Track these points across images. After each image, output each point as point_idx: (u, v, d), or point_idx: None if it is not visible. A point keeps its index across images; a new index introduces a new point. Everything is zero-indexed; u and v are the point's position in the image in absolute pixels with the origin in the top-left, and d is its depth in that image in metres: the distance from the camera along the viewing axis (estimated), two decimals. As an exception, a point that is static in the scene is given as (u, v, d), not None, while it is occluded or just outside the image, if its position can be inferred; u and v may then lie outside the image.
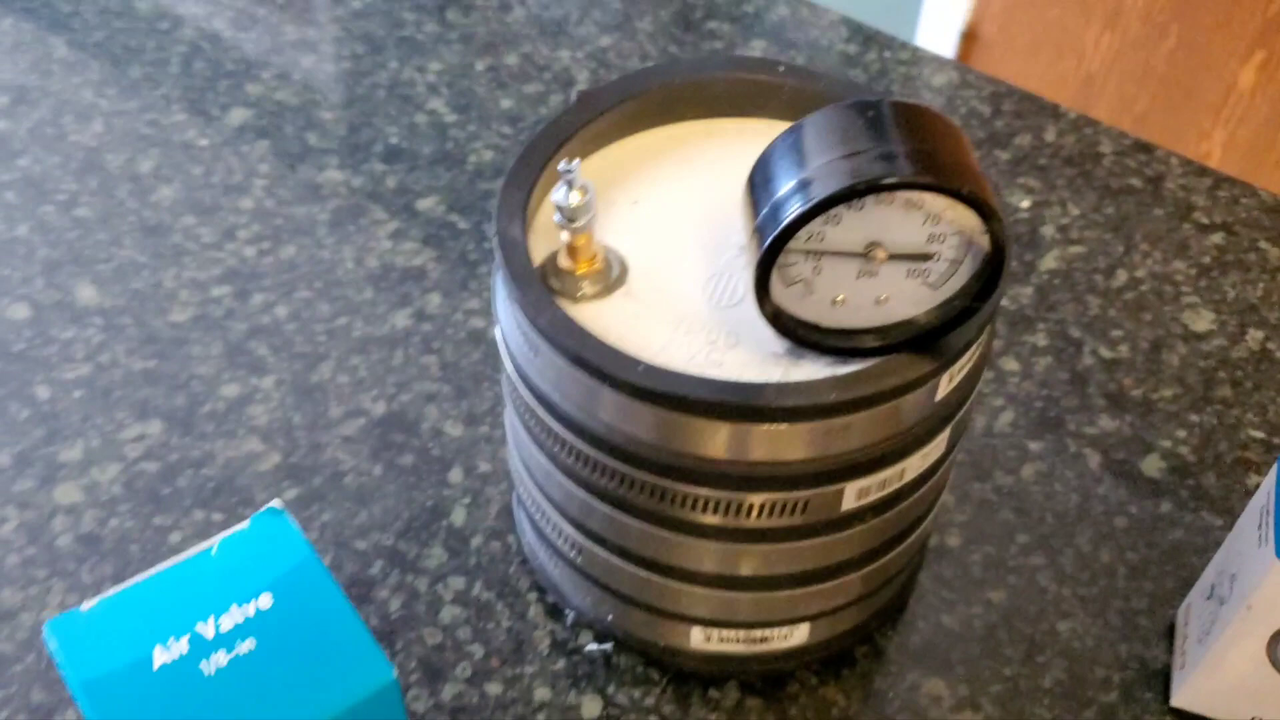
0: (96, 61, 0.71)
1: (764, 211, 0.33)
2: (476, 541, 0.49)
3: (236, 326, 0.57)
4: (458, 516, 0.50)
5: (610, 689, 0.45)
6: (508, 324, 0.39)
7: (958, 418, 0.39)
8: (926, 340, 0.35)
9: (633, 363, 0.35)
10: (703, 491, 0.37)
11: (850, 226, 0.33)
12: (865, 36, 0.74)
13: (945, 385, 0.37)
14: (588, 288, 0.39)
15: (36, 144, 0.65)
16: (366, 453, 0.52)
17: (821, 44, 0.74)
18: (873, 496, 0.38)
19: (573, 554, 0.43)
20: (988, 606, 0.48)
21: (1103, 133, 0.68)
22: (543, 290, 0.37)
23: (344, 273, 0.60)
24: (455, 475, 0.52)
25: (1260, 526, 0.40)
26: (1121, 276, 0.61)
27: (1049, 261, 0.61)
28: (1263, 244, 0.63)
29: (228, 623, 0.32)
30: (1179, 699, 0.45)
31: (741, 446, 0.36)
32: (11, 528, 0.49)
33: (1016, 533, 0.50)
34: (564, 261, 0.39)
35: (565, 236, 0.38)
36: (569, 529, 0.42)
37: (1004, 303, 0.59)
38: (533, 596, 0.48)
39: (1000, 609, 0.48)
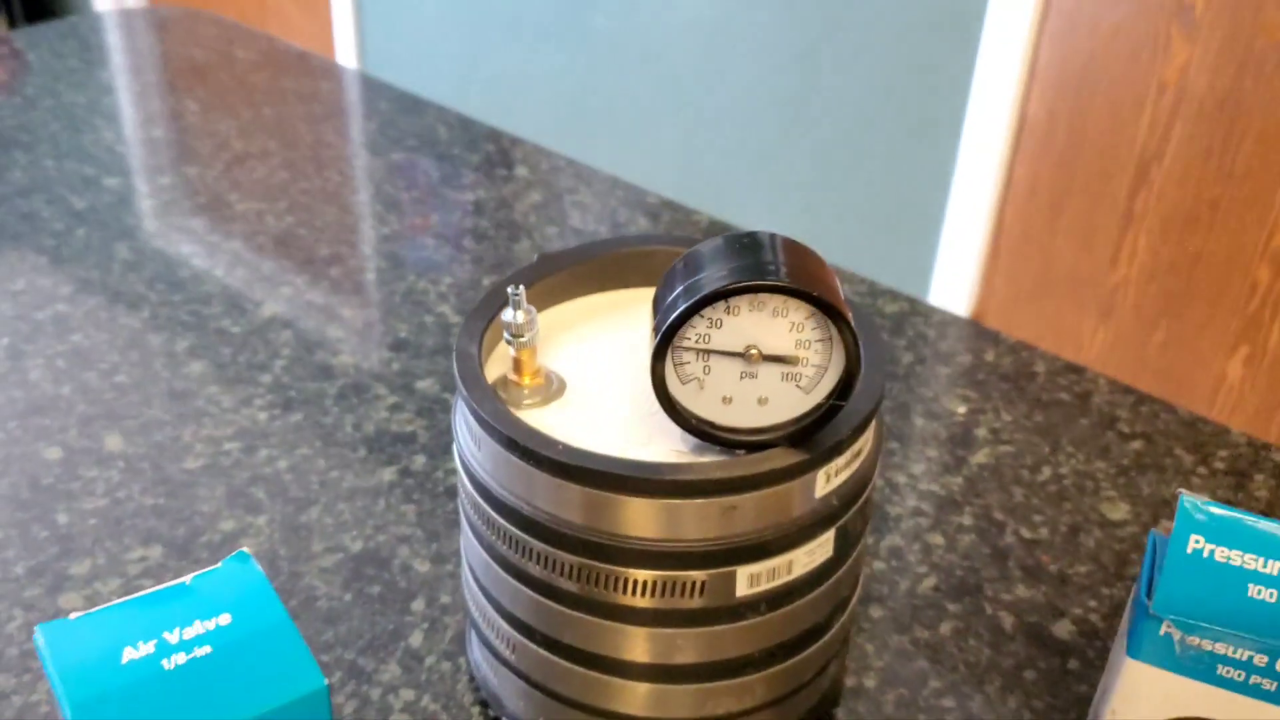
0: (151, 263, 0.82)
1: (658, 317, 0.41)
2: (430, 661, 0.54)
3: (241, 475, 0.64)
4: (415, 639, 0.55)
5: (536, 791, 0.48)
6: (461, 429, 0.46)
7: (842, 522, 0.44)
8: (802, 437, 0.42)
9: (554, 443, 0.41)
10: (612, 569, 0.42)
11: (730, 330, 0.40)
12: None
13: (824, 483, 0.43)
14: (530, 398, 0.46)
15: (89, 324, 0.75)
16: (339, 582, 0.58)
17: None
18: (764, 585, 0.43)
19: (507, 651, 0.48)
20: (897, 740, 0.51)
21: (1039, 356, 0.76)
22: (488, 391, 0.44)
23: (343, 435, 0.67)
24: (418, 604, 0.57)
25: (1121, 635, 0.44)
26: (1046, 472, 0.66)
27: (980, 457, 0.67)
28: (1178, 450, 0.68)
29: (190, 633, 0.38)
30: (1071, 826, 0.47)
31: (645, 522, 0.41)
32: (16, 625, 0.54)
33: (930, 679, 0.54)
34: (511, 375, 0.46)
35: (512, 352, 0.46)
36: (503, 625, 0.47)
37: (934, 488, 0.65)
38: (475, 710, 0.52)
39: (909, 743, 0.51)
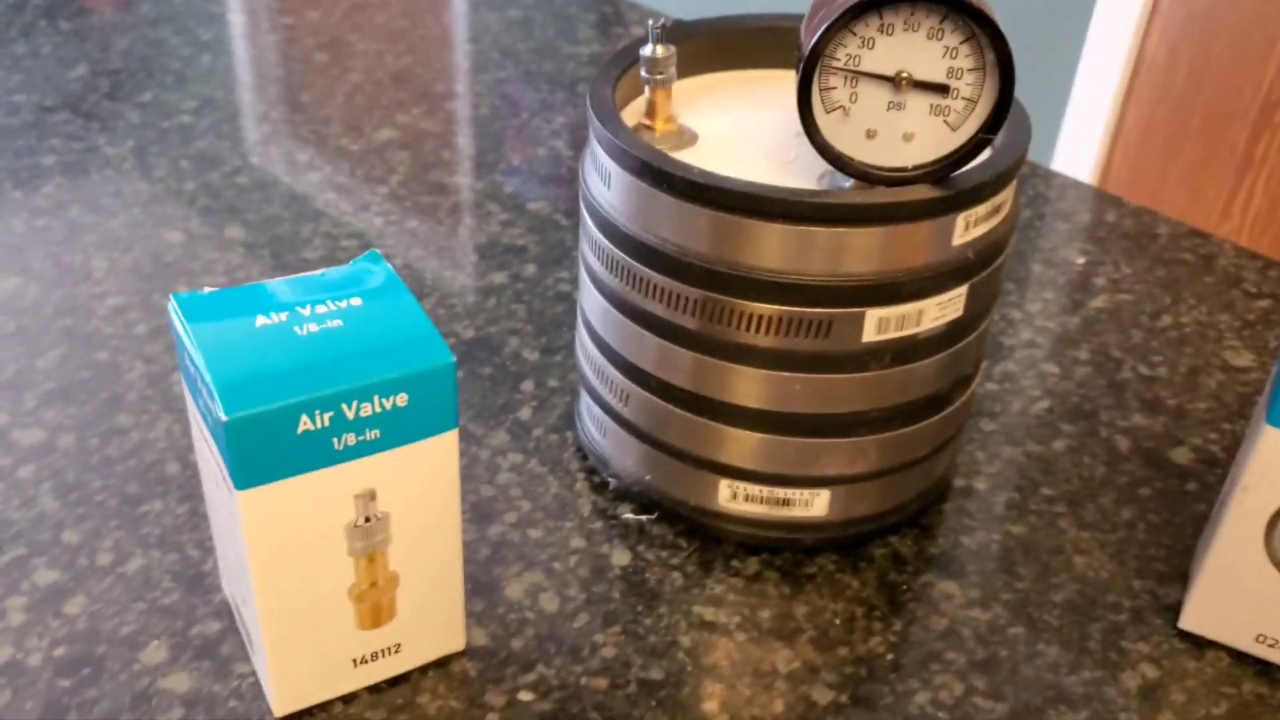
0: (273, 87, 0.83)
1: (805, 38, 0.40)
2: (537, 433, 0.54)
3: (356, 267, 0.64)
4: (524, 414, 0.55)
5: (641, 548, 0.48)
6: (589, 173, 0.46)
7: (976, 279, 0.43)
8: (944, 173, 0.41)
9: (687, 166, 0.41)
10: (734, 302, 0.42)
11: (883, 52, 0.40)
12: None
13: (962, 229, 0.42)
14: (662, 143, 0.45)
15: (213, 134, 0.76)
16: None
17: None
18: (891, 333, 0.43)
19: (619, 404, 0.48)
20: (1006, 536, 0.50)
21: (1161, 220, 0.74)
22: (622, 124, 0.44)
23: (455, 243, 0.67)
24: (527, 386, 0.57)
25: (1260, 408, 0.43)
26: (1166, 319, 0.65)
27: (1098, 302, 0.66)
28: (1308, 310, 0.66)
29: (321, 309, 0.38)
30: (1186, 620, 0.46)
31: (774, 251, 0.41)
32: (136, 374, 0.56)
33: (1041, 486, 0.53)
34: (644, 120, 0.46)
35: (647, 94, 0.45)
36: (619, 377, 0.47)
37: (1050, 324, 0.63)
38: (581, 475, 0.52)
39: (1018, 539, 0.50)
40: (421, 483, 0.39)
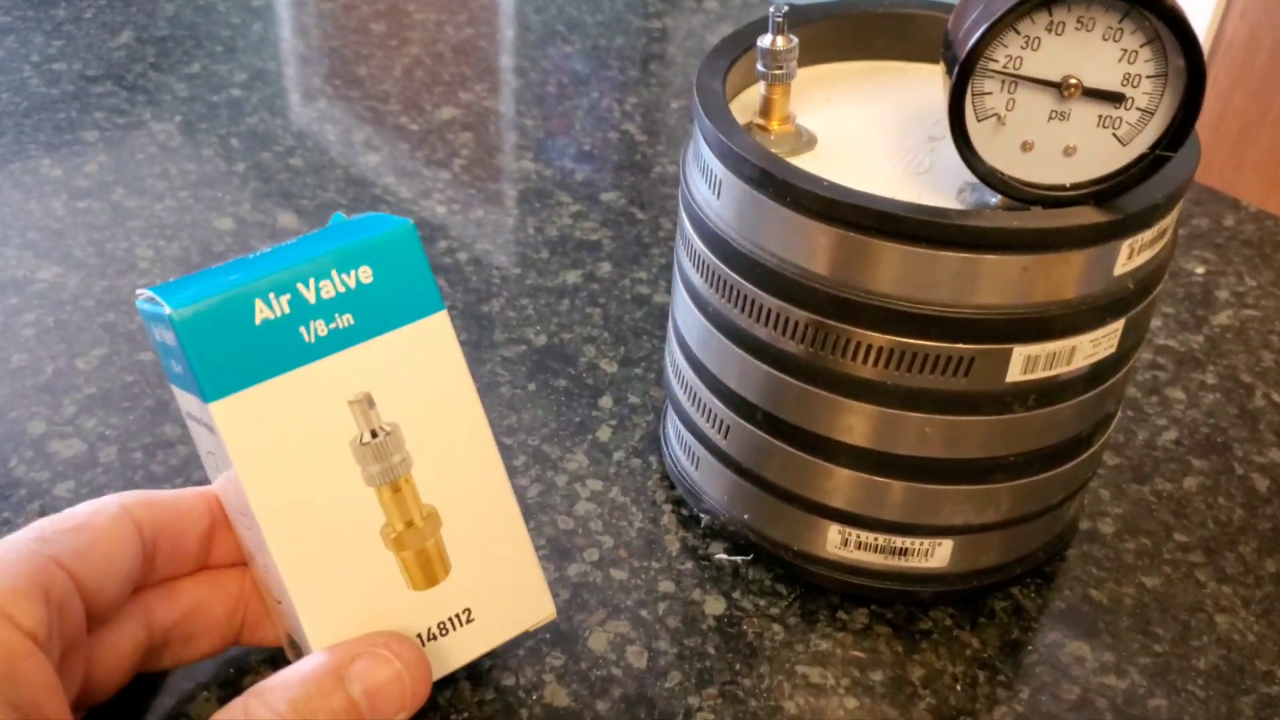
0: (328, 59, 0.78)
1: (964, 28, 0.35)
2: (618, 456, 0.49)
3: (418, 261, 0.60)
4: (603, 434, 0.50)
5: (737, 594, 0.44)
6: (693, 175, 0.41)
7: (1134, 312, 0.38)
8: (1110, 194, 0.36)
9: (816, 180, 0.36)
10: (864, 334, 0.37)
11: (1048, 54, 0.34)
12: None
13: (1125, 258, 0.37)
14: (778, 146, 0.40)
15: (264, 109, 0.72)
16: (524, 373, 0.53)
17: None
18: (1039, 373, 0.37)
19: (718, 435, 0.43)
20: (1139, 589, 0.45)
21: (1284, 227, 0.68)
22: (736, 124, 0.39)
23: (524, 236, 0.62)
24: (605, 401, 0.52)
25: None
26: (1300, 341, 0.59)
27: (1222, 319, 0.60)
28: None
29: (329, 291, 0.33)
30: (1351, 697, 0.41)
31: (912, 278, 0.36)
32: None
33: (1174, 532, 0.48)
34: (757, 120, 0.41)
35: (762, 90, 0.40)
36: (718, 404, 0.42)
37: (1172, 344, 0.58)
38: (668, 507, 0.47)
39: (1152, 593, 0.45)
40: (422, 382, 0.35)
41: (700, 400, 0.43)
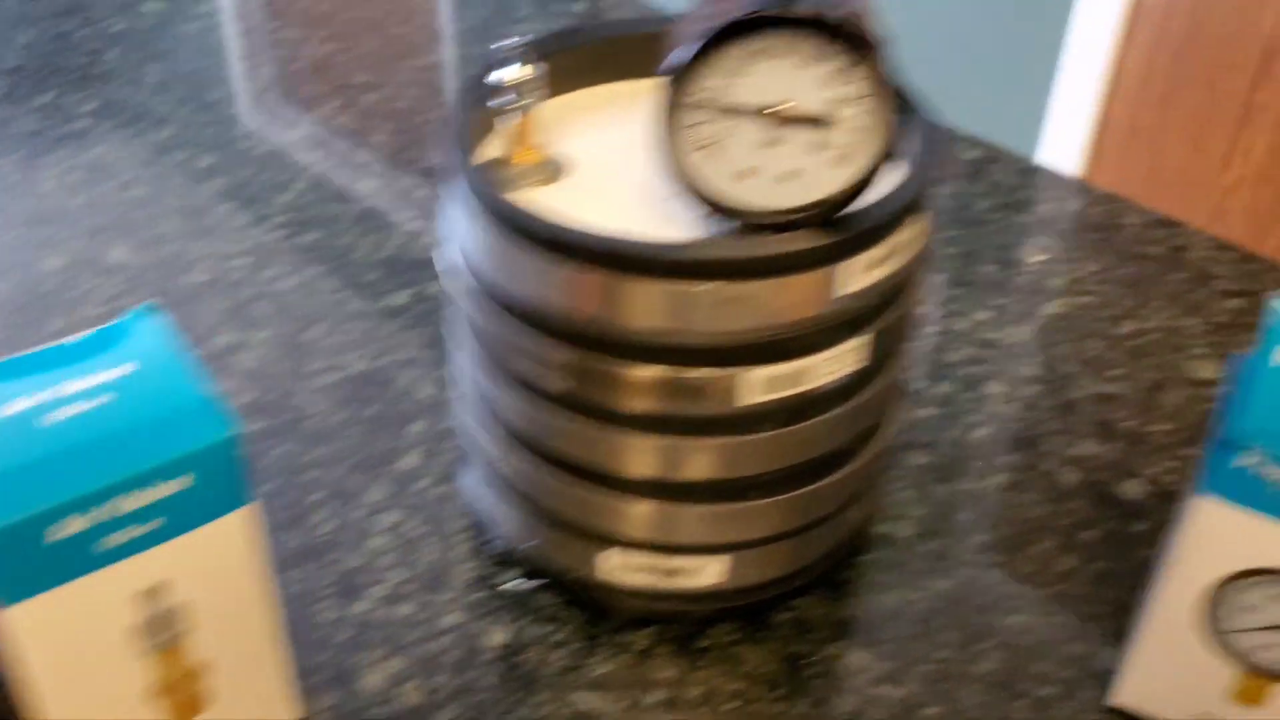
0: (181, 85, 0.78)
1: (665, 70, 0.35)
2: (421, 484, 0.49)
3: (245, 291, 0.60)
4: (409, 461, 0.50)
5: (521, 623, 0.44)
6: (450, 210, 0.41)
7: (873, 329, 0.38)
8: (830, 216, 0.36)
9: (530, 218, 0.36)
10: (610, 365, 0.37)
11: (753, 83, 0.34)
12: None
13: (853, 277, 0.37)
14: (528, 177, 0.40)
15: (111, 140, 0.71)
16: (335, 401, 0.53)
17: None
18: (782, 392, 0.38)
19: (500, 463, 0.43)
20: (931, 594, 0.45)
21: (1130, 208, 0.68)
22: (468, 157, 0.38)
23: (358, 256, 0.62)
24: (417, 428, 0.52)
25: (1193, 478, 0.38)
26: (1128, 326, 0.59)
27: (1054, 307, 0.60)
28: (1283, 311, 0.60)
29: (79, 385, 0.33)
30: (1119, 695, 0.41)
31: (642, 310, 0.36)
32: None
33: (973, 532, 0.48)
34: (506, 151, 0.41)
35: (509, 122, 0.40)
36: (498, 433, 0.42)
37: (998, 336, 0.58)
38: (465, 535, 0.47)
39: (944, 597, 0.45)
40: (218, 567, 0.35)
41: (486, 428, 0.43)
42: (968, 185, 0.70)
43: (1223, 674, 0.38)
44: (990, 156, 0.72)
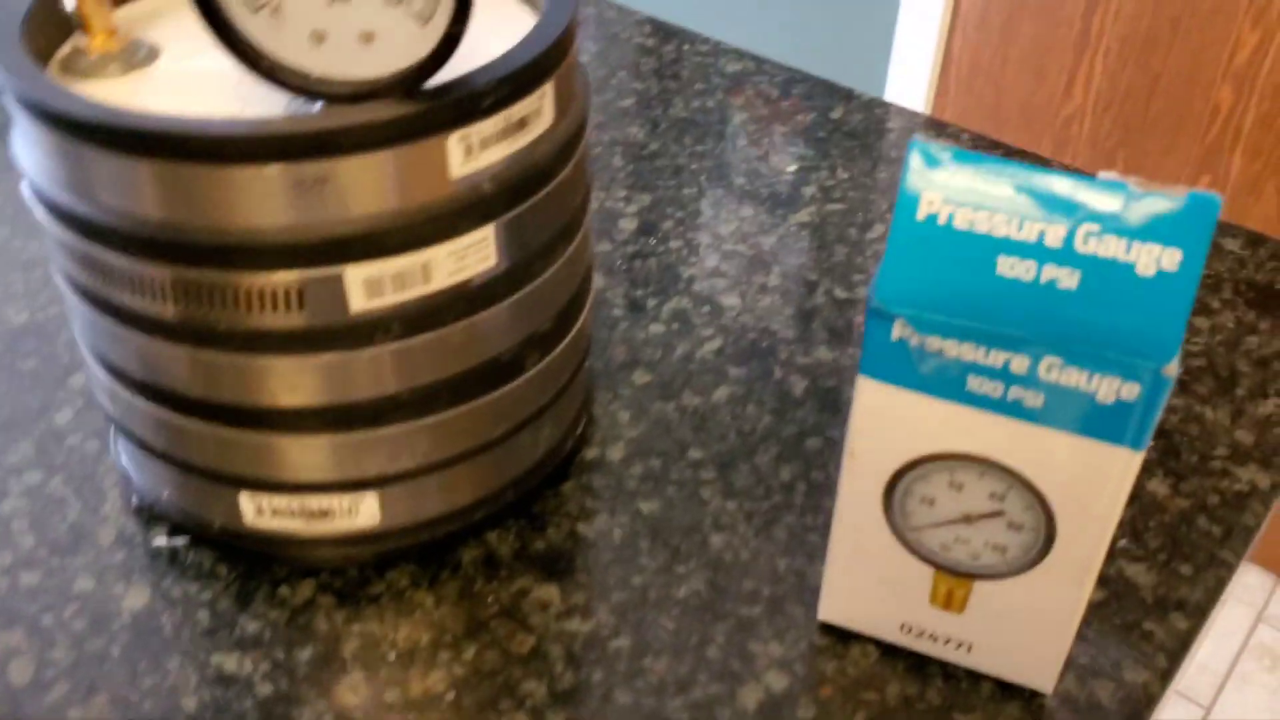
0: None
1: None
2: (72, 440, 0.44)
3: (-95, 246, 0.53)
4: (63, 417, 0.45)
5: (167, 583, 0.39)
6: (18, 142, 0.35)
7: (506, 217, 0.34)
8: (416, 82, 0.31)
9: (85, 104, 0.31)
10: (194, 274, 0.32)
11: (293, -77, 0.29)
12: (665, 32, 0.72)
13: (463, 156, 0.32)
14: (105, 66, 0.35)
15: None
16: (-7, 358, 0.47)
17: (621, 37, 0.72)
18: (390, 298, 0.33)
19: (118, 411, 0.38)
20: (634, 517, 0.41)
21: (895, 112, 0.65)
22: (18, 47, 0.33)
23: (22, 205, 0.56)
24: (77, 380, 0.46)
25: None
26: (879, 230, 0.56)
27: (802, 216, 0.57)
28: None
29: None
30: (823, 610, 0.37)
31: (211, 203, 0.31)
32: None
33: (689, 449, 0.44)
34: (79, 43, 0.35)
35: (71, 4, 0.35)
36: (104, 376, 0.37)
37: (741, 248, 0.54)
38: (115, 494, 0.42)
39: (648, 520, 0.41)
40: None
41: (98, 379, 0.38)
42: (727, 97, 0.66)
43: (919, 578, 0.35)
44: (752, 69, 0.68)
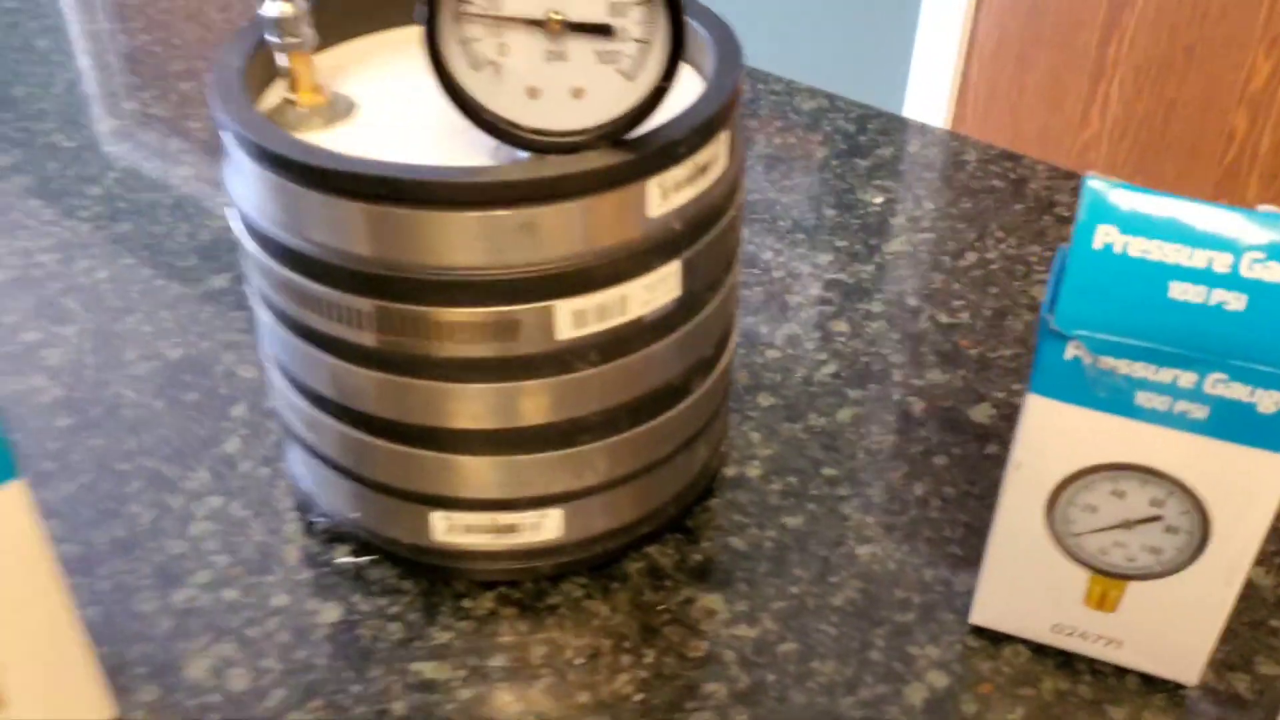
0: (-15, 85, 0.73)
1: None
2: (245, 467, 0.46)
3: (53, 286, 0.56)
4: (231, 445, 0.47)
5: (355, 598, 0.41)
6: (227, 167, 0.38)
7: (689, 253, 0.37)
8: (621, 134, 0.34)
9: (313, 150, 0.34)
10: (410, 309, 0.35)
11: (525, -9, 0.32)
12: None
13: (658, 198, 0.35)
14: (312, 119, 0.38)
15: (-98, 142, 0.67)
16: (151, 390, 0.50)
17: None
18: (593, 326, 0.36)
19: (311, 434, 0.40)
20: (781, 530, 0.44)
21: (970, 145, 0.68)
22: (245, 100, 0.36)
23: (173, 244, 0.59)
24: (238, 410, 0.49)
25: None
26: (970, 258, 0.59)
27: (895, 245, 0.60)
28: (1121, 232, 0.61)
29: None
30: (976, 614, 0.40)
31: (437, 244, 0.34)
32: None
33: (823, 466, 0.47)
34: (287, 95, 0.38)
35: (284, 61, 0.38)
36: (302, 403, 0.40)
37: (841, 277, 0.57)
38: (292, 515, 0.44)
39: (795, 533, 0.44)
40: None
41: (290, 401, 0.41)
42: (806, 134, 0.69)
43: (1075, 581, 0.38)
44: (827, 106, 0.72)
